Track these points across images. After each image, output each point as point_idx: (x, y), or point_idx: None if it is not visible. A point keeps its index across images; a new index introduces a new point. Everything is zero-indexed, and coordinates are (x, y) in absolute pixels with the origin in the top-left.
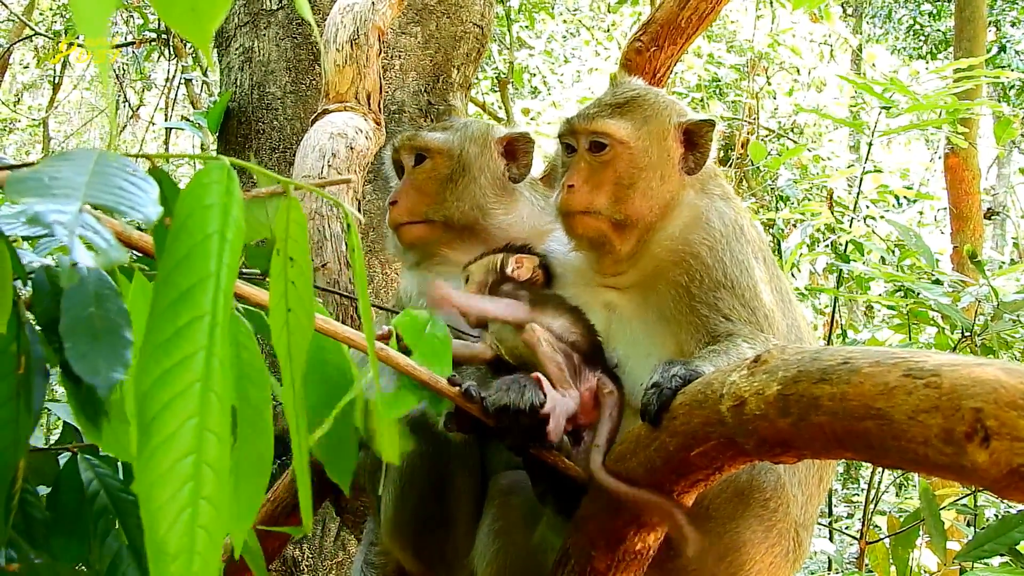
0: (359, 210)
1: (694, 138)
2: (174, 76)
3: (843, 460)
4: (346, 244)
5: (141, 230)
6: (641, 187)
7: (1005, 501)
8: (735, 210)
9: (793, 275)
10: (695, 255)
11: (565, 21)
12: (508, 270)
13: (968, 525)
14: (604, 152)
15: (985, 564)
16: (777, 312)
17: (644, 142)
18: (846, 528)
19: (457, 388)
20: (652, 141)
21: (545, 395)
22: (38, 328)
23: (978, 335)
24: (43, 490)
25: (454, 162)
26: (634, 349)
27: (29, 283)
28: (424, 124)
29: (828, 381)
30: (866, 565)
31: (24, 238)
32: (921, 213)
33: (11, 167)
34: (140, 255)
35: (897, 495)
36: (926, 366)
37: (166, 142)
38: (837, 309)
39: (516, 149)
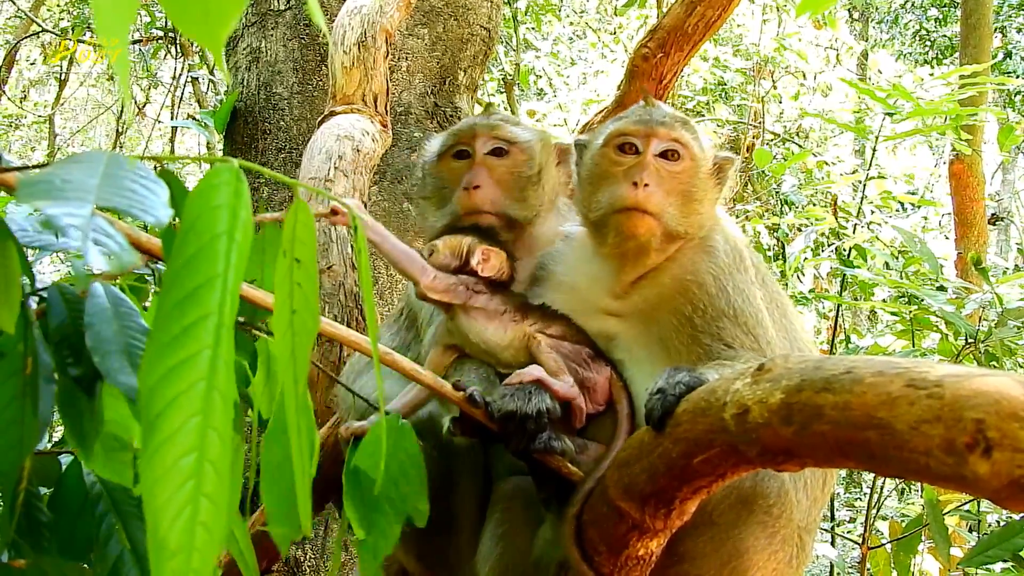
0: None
1: (720, 171)
2: (180, 74)
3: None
4: (352, 246)
5: (146, 230)
6: (698, 205)
7: None
8: (735, 237)
9: (799, 279)
10: (700, 284)
11: (571, 23)
12: (473, 261)
13: (971, 531)
14: (677, 162)
15: (988, 570)
16: (777, 337)
17: (706, 163)
18: (848, 533)
19: (461, 393)
20: (708, 164)
21: (553, 401)
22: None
23: (982, 342)
24: (44, 491)
25: (534, 163)
26: (635, 375)
27: (36, 297)
28: (430, 127)
29: (831, 390)
30: (868, 570)
31: (40, 248)
32: (925, 219)
33: (22, 168)
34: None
35: (899, 500)
36: (929, 377)
37: (172, 140)
38: (840, 314)
39: (562, 160)
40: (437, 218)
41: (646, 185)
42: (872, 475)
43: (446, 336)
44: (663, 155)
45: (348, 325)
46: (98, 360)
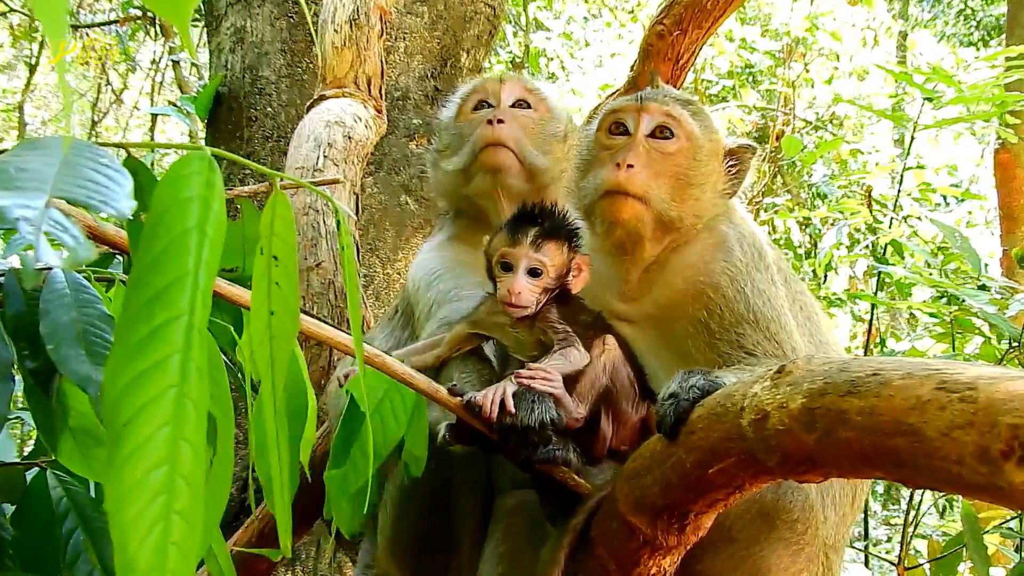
0: (358, 204)
1: (736, 161)
2: (161, 57)
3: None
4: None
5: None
6: (696, 191)
7: None
8: (753, 233)
9: (827, 278)
10: (715, 286)
11: (586, 1)
12: (569, 277)
13: (1016, 551)
14: (670, 141)
15: None
16: (803, 341)
17: (707, 147)
18: (885, 553)
19: (459, 399)
20: (712, 149)
21: (558, 413)
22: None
23: None
24: (9, 508)
25: (560, 122)
26: (648, 384)
27: None
28: (429, 113)
29: (857, 394)
30: None
31: None
32: (970, 213)
33: None
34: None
35: (941, 517)
36: (961, 379)
37: (151, 129)
38: (876, 316)
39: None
40: (452, 163)
41: (630, 166)
42: (910, 490)
43: (485, 324)
44: (656, 134)
45: (338, 326)
46: (51, 349)
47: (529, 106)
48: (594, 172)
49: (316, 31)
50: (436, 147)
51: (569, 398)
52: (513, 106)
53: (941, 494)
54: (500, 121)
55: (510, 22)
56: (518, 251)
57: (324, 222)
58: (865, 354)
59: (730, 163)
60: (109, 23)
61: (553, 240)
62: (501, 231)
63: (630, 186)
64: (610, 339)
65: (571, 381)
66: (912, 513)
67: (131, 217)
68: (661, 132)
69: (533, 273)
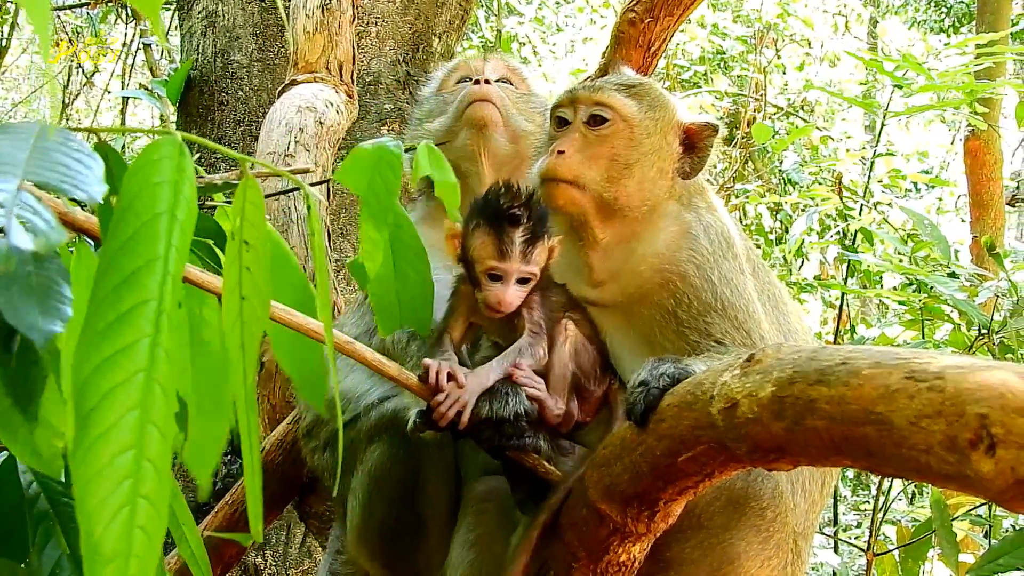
0: (330, 190)
1: (694, 140)
2: (132, 40)
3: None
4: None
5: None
6: (637, 171)
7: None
8: (721, 222)
9: (802, 264)
10: (682, 275)
11: None
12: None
13: (984, 537)
14: (604, 126)
15: None
16: (772, 330)
17: (647, 126)
18: (855, 538)
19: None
20: (655, 128)
21: (531, 403)
22: None
23: (996, 332)
24: None
25: (541, 101)
26: (617, 371)
27: None
28: (401, 98)
29: (825, 383)
30: None
31: None
32: (940, 200)
33: None
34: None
35: (911, 503)
36: (929, 368)
37: (123, 112)
38: (846, 303)
39: None
40: (437, 122)
41: (560, 152)
42: (879, 477)
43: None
44: (591, 121)
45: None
46: (3, 302)
47: (511, 84)
48: (538, 161)
49: (287, 16)
50: (417, 115)
51: (550, 398)
52: (499, 81)
53: (910, 482)
54: (487, 82)
55: (482, 6)
56: (509, 266)
57: (295, 207)
58: (835, 340)
59: (684, 141)
60: (80, 5)
61: (540, 242)
62: (482, 234)
63: (558, 171)
64: (569, 324)
65: (541, 376)
66: (882, 499)
67: (102, 202)
68: (595, 119)
69: (522, 281)
